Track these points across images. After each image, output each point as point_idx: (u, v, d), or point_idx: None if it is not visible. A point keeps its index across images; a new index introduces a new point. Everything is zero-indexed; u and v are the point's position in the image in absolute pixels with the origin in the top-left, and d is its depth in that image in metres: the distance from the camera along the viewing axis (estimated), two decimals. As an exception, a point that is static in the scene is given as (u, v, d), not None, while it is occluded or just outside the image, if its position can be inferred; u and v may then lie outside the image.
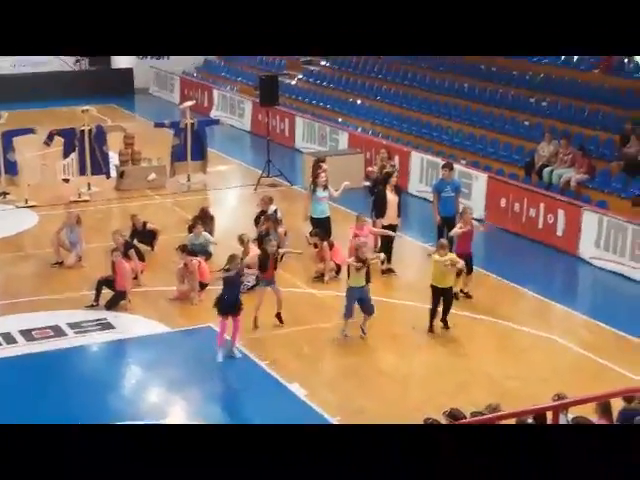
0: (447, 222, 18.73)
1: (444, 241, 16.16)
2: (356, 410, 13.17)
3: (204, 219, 19.64)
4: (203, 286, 17.26)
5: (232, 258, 15.04)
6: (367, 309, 15.53)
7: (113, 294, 16.80)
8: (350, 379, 14.35)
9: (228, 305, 14.83)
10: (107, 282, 16.88)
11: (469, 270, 16.95)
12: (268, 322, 16.01)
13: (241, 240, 17.66)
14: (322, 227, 19.03)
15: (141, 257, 18.28)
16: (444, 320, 15.83)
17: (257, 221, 19.91)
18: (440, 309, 15.76)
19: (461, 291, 16.94)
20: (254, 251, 17.64)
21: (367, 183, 22.00)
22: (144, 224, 19.56)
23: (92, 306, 16.74)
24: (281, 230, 19.31)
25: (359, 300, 15.44)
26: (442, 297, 15.69)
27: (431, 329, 15.76)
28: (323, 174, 19.43)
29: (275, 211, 19.90)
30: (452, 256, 15.70)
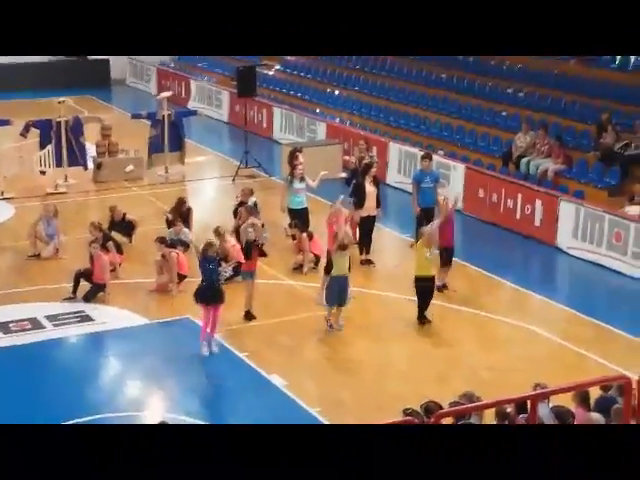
0: (426, 213, 18.81)
1: (426, 228, 16.08)
2: (336, 401, 13.20)
3: (181, 211, 19.59)
4: (182, 278, 17.23)
5: (209, 245, 14.94)
6: (344, 300, 15.52)
7: (91, 286, 16.74)
8: (330, 370, 14.38)
9: (208, 295, 14.77)
10: (85, 274, 16.82)
11: (445, 262, 16.94)
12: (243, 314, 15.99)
13: (217, 232, 17.63)
14: (300, 218, 19.03)
15: (119, 249, 18.22)
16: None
17: (236, 213, 19.88)
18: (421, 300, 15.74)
19: (443, 286, 16.90)
20: (231, 243, 17.67)
21: (344, 174, 21.96)
22: (124, 215, 19.48)
23: (70, 298, 16.67)
24: (258, 222, 19.27)
25: (339, 290, 15.42)
26: (426, 287, 15.64)
27: (423, 320, 15.74)
28: (300, 166, 19.41)
29: (255, 203, 19.88)
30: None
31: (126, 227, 19.57)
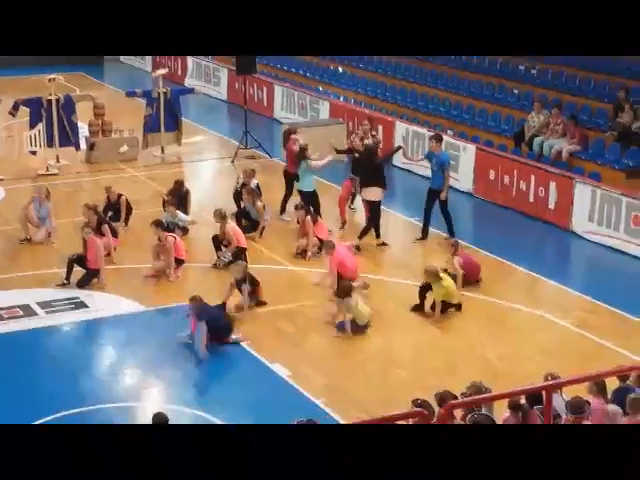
0: (432, 194, 18.92)
1: (433, 268, 15.89)
2: (341, 391, 13.23)
3: (179, 193, 19.61)
4: (179, 262, 17.26)
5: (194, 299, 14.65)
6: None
7: (85, 272, 16.76)
8: (334, 359, 14.41)
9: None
10: (78, 260, 16.84)
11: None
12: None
13: (220, 215, 17.67)
14: (311, 202, 19.16)
15: (114, 233, 18.23)
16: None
17: (236, 196, 19.90)
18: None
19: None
20: (232, 226, 17.72)
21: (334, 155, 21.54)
22: (119, 196, 19.48)
23: (63, 284, 16.70)
24: (260, 204, 19.32)
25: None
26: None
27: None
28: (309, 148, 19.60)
29: (257, 185, 19.92)
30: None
31: (121, 211, 19.53)
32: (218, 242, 17.79)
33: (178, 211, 18.84)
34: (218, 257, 17.62)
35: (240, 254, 17.61)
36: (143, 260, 17.57)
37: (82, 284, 16.66)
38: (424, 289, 15.74)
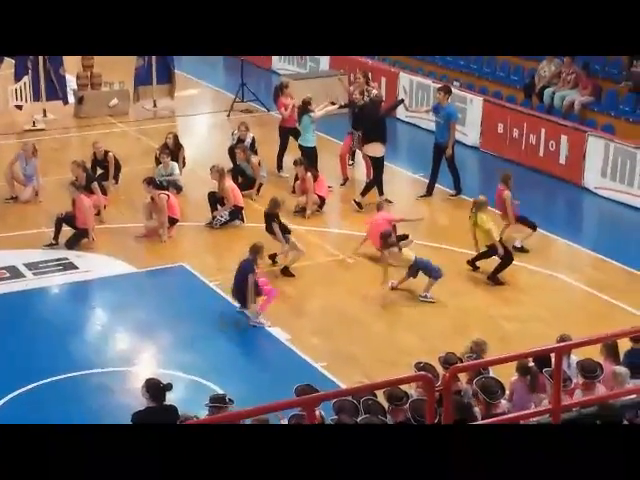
0: (438, 150, 18.96)
1: (482, 198, 16.01)
2: (343, 355, 13.30)
3: (172, 147, 19.58)
4: (173, 222, 17.28)
5: (257, 249, 14.55)
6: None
7: (74, 232, 16.79)
8: (335, 322, 14.45)
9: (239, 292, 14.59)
10: (67, 219, 16.86)
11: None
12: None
13: (218, 172, 17.67)
14: (309, 157, 19.15)
15: (103, 191, 18.23)
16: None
17: (231, 151, 19.88)
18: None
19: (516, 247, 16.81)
20: (230, 184, 17.74)
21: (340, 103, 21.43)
22: (106, 153, 19.44)
23: (51, 245, 16.74)
24: (255, 160, 19.31)
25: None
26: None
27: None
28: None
29: (253, 140, 19.91)
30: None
31: (110, 168, 19.49)
32: (215, 199, 17.80)
33: (172, 162, 18.83)
34: (214, 217, 17.64)
35: (237, 213, 17.64)
36: (134, 219, 17.61)
37: (71, 244, 16.69)
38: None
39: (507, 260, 15.59)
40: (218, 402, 9.56)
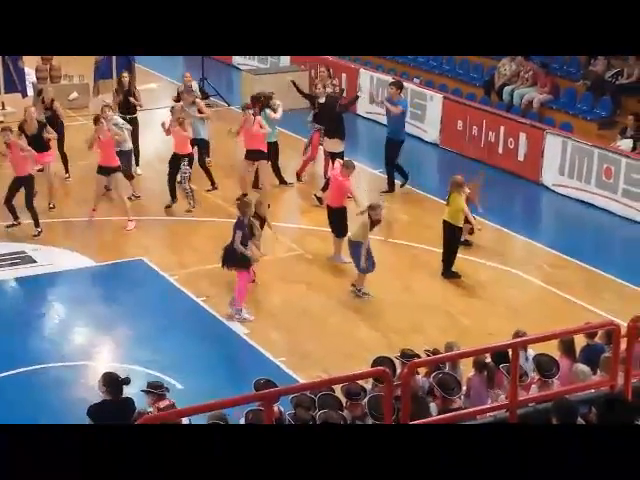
0: (387, 144, 19.41)
1: (459, 178, 15.86)
2: (302, 350, 13.30)
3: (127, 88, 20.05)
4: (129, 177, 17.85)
5: (244, 204, 14.47)
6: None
7: (25, 193, 16.70)
8: (294, 317, 14.42)
9: (229, 255, 14.39)
10: (11, 196, 16.82)
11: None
12: (204, 253, 16.00)
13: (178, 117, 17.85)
14: (270, 152, 19.12)
15: (47, 145, 18.02)
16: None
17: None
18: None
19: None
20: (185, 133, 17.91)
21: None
22: (52, 101, 19.46)
23: (13, 225, 16.83)
24: (201, 102, 19.84)
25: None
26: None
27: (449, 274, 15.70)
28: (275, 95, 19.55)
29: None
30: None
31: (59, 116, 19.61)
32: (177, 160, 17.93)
33: (116, 116, 18.75)
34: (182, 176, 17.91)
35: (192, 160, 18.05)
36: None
37: (28, 203, 16.72)
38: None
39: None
40: (154, 389, 9.58)
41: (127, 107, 19.82)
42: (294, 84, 20.36)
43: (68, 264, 15.98)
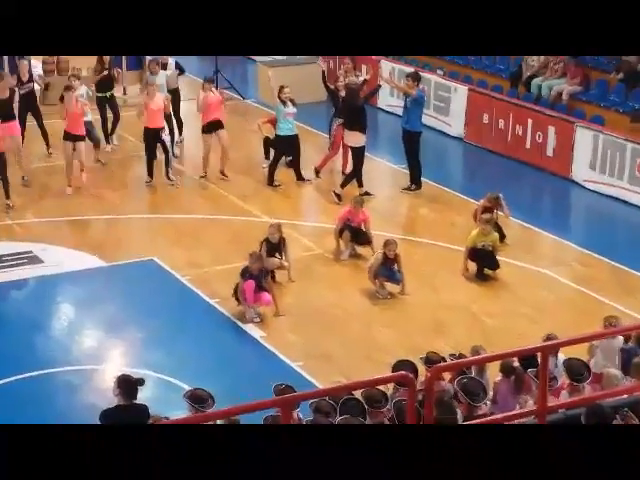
0: (404, 136, 19.21)
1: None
2: (320, 353, 13.27)
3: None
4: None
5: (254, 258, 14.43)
6: None
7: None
8: (312, 319, 14.38)
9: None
10: None
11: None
12: (217, 253, 16.00)
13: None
14: (290, 147, 19.10)
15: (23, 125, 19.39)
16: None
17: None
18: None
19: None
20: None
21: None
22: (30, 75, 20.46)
23: (8, 206, 17.55)
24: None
25: None
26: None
27: None
28: (286, 88, 19.42)
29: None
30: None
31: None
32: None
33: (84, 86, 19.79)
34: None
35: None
36: (102, 212, 17.57)
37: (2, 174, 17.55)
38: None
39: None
40: (195, 402, 9.47)
41: (107, 85, 20.91)
42: (323, 75, 20.30)
43: (76, 264, 16.01)
